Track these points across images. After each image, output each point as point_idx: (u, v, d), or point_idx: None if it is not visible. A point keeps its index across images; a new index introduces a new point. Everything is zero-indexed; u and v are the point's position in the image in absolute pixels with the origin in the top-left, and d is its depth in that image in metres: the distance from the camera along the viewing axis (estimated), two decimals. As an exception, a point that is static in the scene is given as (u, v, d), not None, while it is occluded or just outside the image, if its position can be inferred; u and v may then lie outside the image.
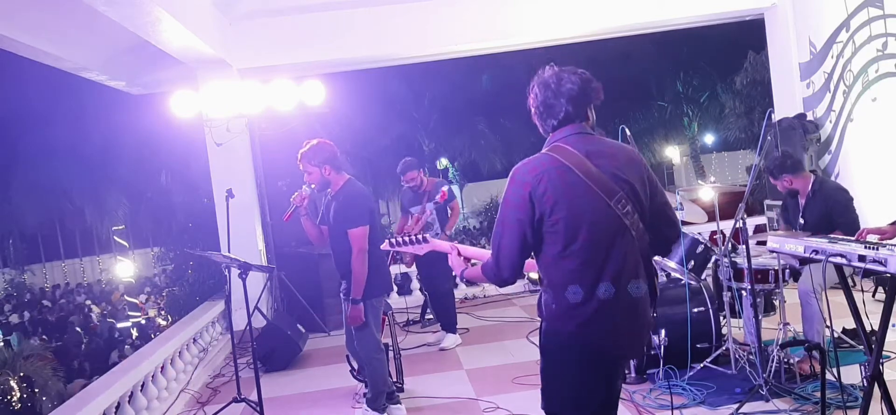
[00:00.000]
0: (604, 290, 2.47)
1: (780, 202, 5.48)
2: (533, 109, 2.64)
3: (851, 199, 4.93)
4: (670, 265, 4.96)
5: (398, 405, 4.88)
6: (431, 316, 7.68)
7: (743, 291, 4.85)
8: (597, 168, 2.50)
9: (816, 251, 3.13)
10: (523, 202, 2.47)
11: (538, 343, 2.67)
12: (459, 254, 2.84)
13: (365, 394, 4.84)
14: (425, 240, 2.90)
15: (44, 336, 16.22)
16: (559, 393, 2.60)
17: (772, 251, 3.93)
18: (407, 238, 2.94)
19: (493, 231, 2.57)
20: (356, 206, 4.47)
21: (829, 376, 3.60)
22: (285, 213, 4.71)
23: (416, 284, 8.48)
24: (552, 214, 2.45)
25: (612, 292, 2.48)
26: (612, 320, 2.49)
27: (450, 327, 6.74)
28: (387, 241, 2.99)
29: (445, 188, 6.61)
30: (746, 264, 4.51)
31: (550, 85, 2.57)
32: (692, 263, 4.85)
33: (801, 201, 5.07)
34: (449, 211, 6.61)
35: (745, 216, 4.48)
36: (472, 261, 2.84)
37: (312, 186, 4.54)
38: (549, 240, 2.49)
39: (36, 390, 10.80)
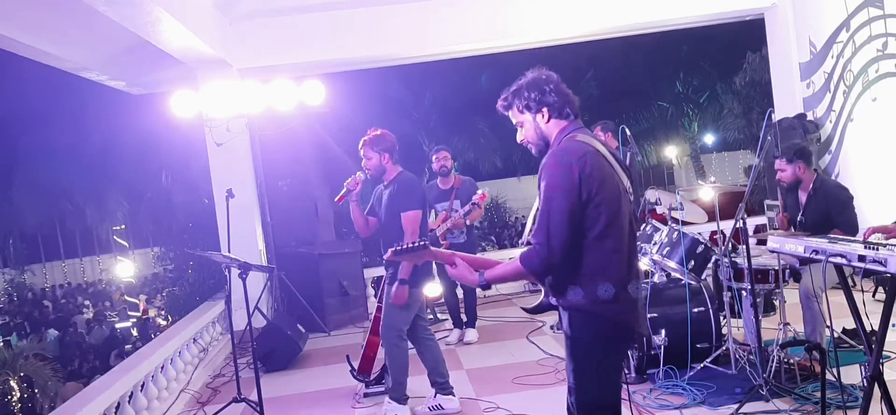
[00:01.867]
0: (633, 287, 2.66)
1: (778, 202, 5.48)
2: (546, 105, 2.70)
3: (851, 197, 4.93)
4: (670, 265, 4.95)
5: (451, 396, 4.89)
6: (431, 316, 7.69)
7: (743, 291, 4.85)
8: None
9: (816, 251, 3.13)
10: (574, 183, 2.52)
11: (569, 334, 2.68)
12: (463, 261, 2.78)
13: (387, 388, 4.87)
14: (425, 247, 2.80)
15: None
16: (596, 382, 2.64)
17: (772, 251, 3.93)
18: (409, 245, 2.87)
19: (540, 218, 2.57)
20: (410, 191, 4.62)
21: (829, 376, 3.59)
22: (338, 195, 4.78)
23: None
24: (598, 194, 2.54)
25: (637, 288, 2.68)
26: (636, 301, 2.68)
27: (473, 322, 6.94)
28: (390, 250, 2.90)
29: (482, 192, 6.67)
30: (746, 264, 4.51)
31: (555, 80, 2.72)
32: (692, 263, 4.85)
33: (802, 198, 5.06)
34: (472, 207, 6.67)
35: (745, 216, 4.48)
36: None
37: (368, 172, 4.67)
38: (590, 222, 2.55)
39: (36, 390, 10.79)
